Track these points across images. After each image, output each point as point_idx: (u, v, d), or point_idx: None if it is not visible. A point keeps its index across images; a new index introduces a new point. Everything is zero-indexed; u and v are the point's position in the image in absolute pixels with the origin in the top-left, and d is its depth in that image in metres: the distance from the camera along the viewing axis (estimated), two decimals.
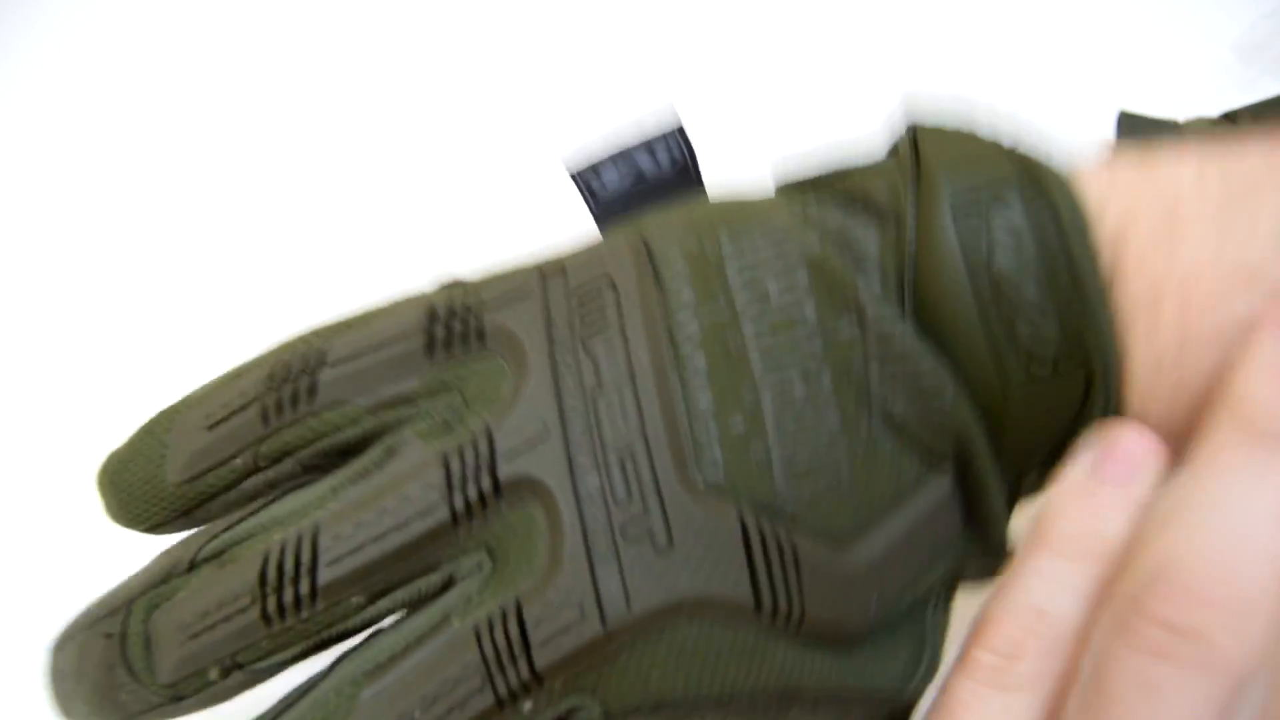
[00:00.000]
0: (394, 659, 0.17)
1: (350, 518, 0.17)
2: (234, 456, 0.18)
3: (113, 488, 0.19)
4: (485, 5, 0.39)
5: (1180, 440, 0.18)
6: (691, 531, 0.17)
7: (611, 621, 0.17)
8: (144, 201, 0.37)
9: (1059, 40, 0.36)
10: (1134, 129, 0.34)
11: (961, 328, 0.18)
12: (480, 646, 0.17)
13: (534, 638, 0.17)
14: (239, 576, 0.17)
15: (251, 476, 0.18)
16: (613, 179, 0.22)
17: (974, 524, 0.19)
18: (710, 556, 0.17)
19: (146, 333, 0.34)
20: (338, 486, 0.18)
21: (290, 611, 0.17)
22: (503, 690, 0.17)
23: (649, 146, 0.22)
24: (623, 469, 0.17)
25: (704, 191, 0.22)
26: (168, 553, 0.19)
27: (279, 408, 0.18)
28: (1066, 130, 0.33)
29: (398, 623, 0.18)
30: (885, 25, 0.37)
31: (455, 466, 0.17)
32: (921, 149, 0.19)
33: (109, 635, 0.18)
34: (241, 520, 0.18)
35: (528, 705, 0.17)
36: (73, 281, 0.36)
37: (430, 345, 0.18)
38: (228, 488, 0.19)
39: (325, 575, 0.17)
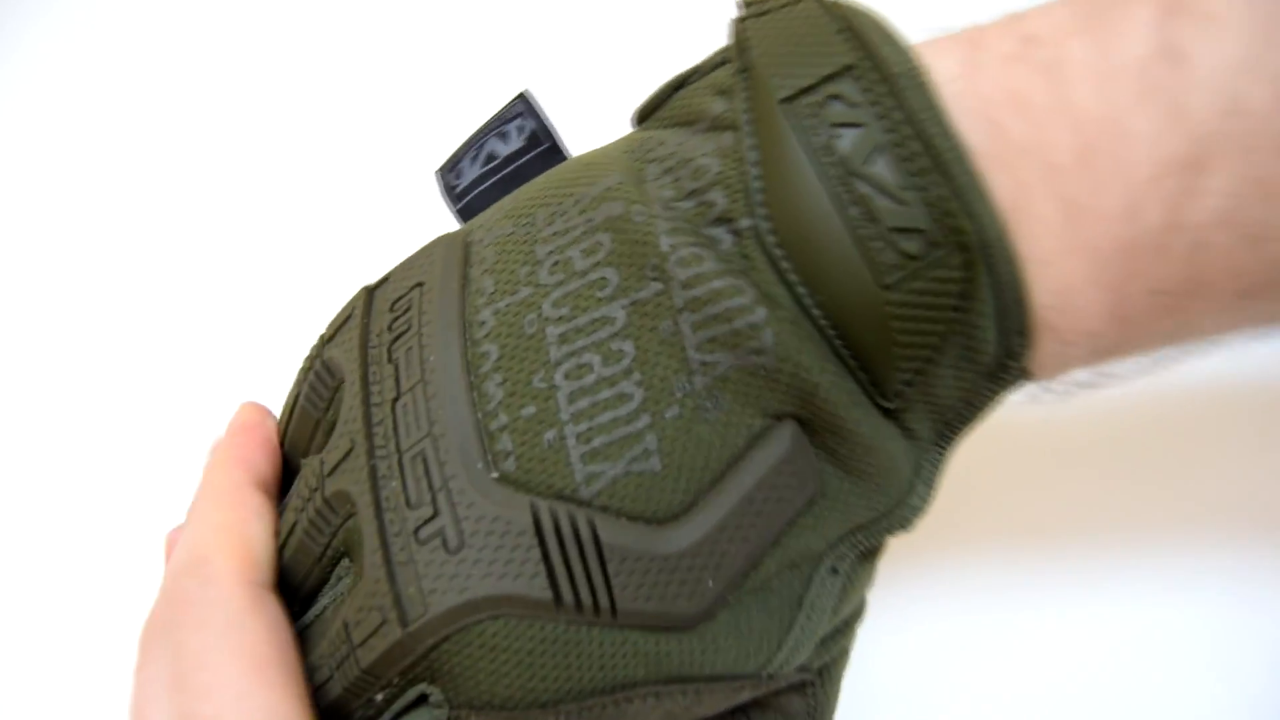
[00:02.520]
0: (304, 629, 0.19)
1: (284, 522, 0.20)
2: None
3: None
4: (484, 9, 0.39)
5: (1122, 293, 0.17)
6: (482, 529, 0.17)
7: (411, 624, 0.17)
8: (144, 202, 0.37)
9: None
10: None
11: (820, 226, 0.17)
12: (336, 640, 0.18)
13: (354, 639, 0.17)
14: None
15: None
16: (467, 169, 0.21)
17: (842, 464, 0.18)
18: (502, 553, 0.16)
19: (145, 333, 0.34)
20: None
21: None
22: (349, 681, 0.17)
23: (499, 128, 0.21)
24: (416, 472, 0.17)
25: (566, 157, 0.21)
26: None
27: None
28: None
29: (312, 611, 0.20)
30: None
31: (304, 489, 0.19)
32: (748, 44, 0.18)
33: None
34: None
35: (379, 696, 0.17)
36: (72, 281, 0.36)
37: (313, 397, 0.20)
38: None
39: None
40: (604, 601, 0.16)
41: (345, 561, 0.19)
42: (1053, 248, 0.17)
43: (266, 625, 0.17)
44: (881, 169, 0.16)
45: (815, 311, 0.17)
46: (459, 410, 0.17)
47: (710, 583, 0.17)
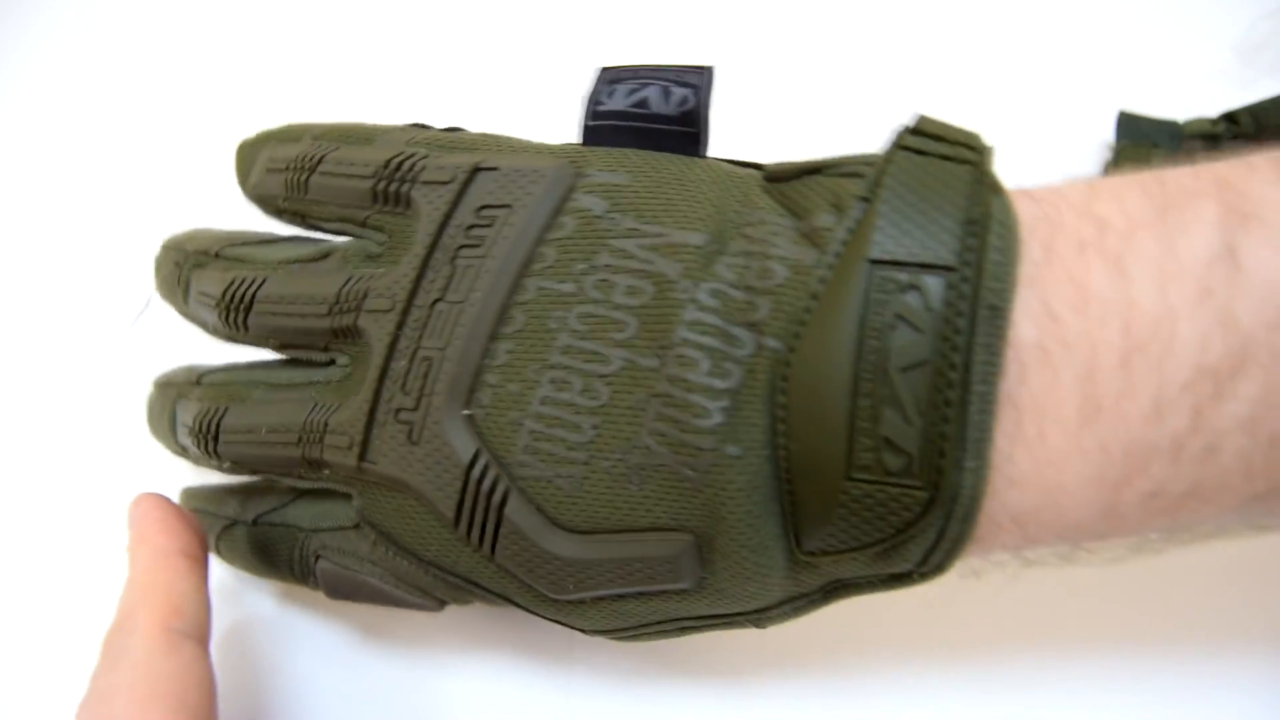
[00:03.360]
0: (271, 388, 0.24)
1: (279, 288, 0.23)
2: (273, 198, 0.25)
3: (235, 157, 0.27)
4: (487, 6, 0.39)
5: (1119, 492, 0.17)
6: (435, 442, 0.20)
7: (364, 465, 0.21)
8: (143, 201, 0.37)
9: (1059, 40, 0.36)
10: (1134, 129, 0.34)
11: (830, 393, 0.17)
12: (307, 416, 0.22)
13: (328, 438, 0.22)
14: (215, 285, 0.24)
15: (280, 214, 0.25)
16: (620, 97, 0.21)
17: (718, 586, 0.19)
18: (437, 467, 0.20)
19: (145, 331, 0.34)
20: (289, 260, 0.24)
21: (235, 328, 0.24)
22: (306, 453, 0.22)
23: (668, 83, 0.21)
24: (419, 370, 0.20)
25: (701, 152, 0.21)
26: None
27: (288, 186, 0.24)
28: (1066, 130, 0.33)
29: (285, 364, 0.25)
30: (885, 25, 0.37)
31: (346, 291, 0.22)
32: (884, 182, 0.18)
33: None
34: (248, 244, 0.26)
35: (325, 472, 0.22)
36: (72, 280, 0.36)
37: (376, 195, 0.22)
38: (273, 210, 0.25)
39: (254, 319, 0.23)
40: (486, 547, 0.20)
41: (340, 358, 0.23)
42: (1059, 450, 0.17)
43: (178, 668, 0.20)
44: (911, 381, 0.16)
45: (781, 452, 0.18)
46: (471, 350, 0.20)
47: (569, 588, 0.20)
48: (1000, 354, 0.16)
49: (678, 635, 0.22)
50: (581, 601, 0.20)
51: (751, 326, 0.18)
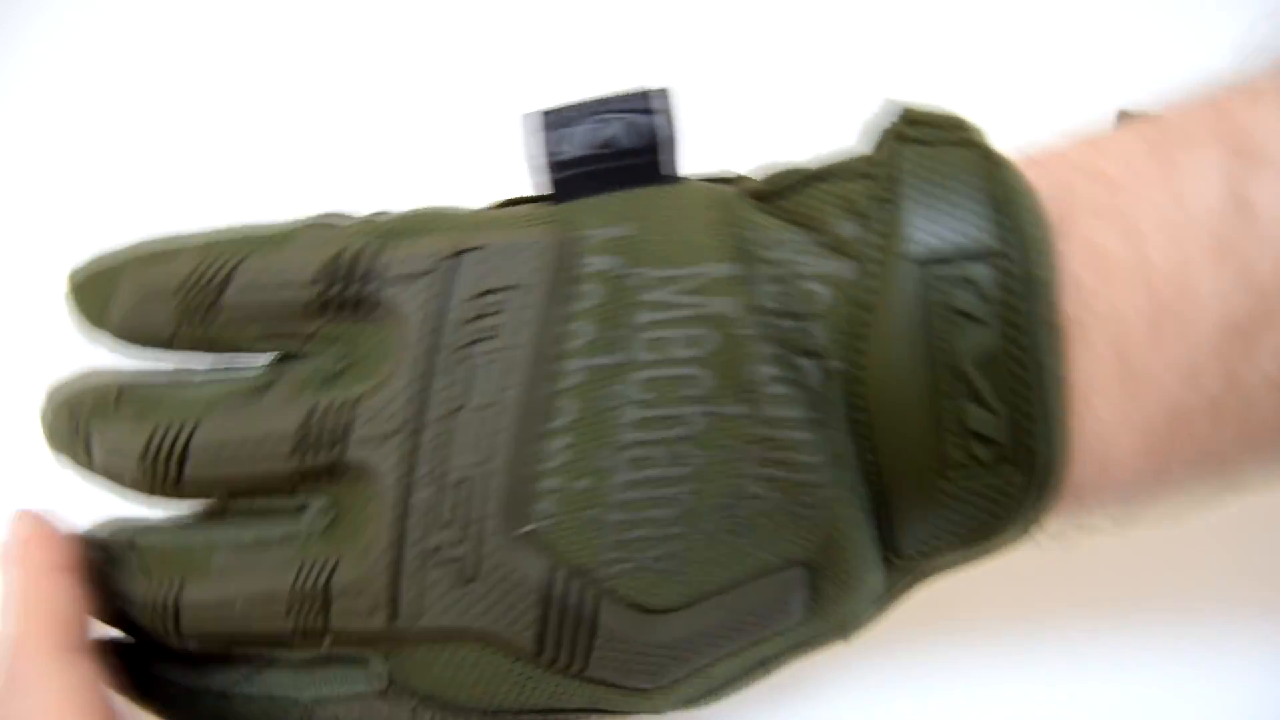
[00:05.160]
0: (235, 550, 0.20)
1: (219, 433, 0.20)
2: (160, 328, 0.21)
3: (73, 293, 0.22)
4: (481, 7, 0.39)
5: (1168, 458, 0.17)
6: (497, 573, 0.18)
7: (400, 625, 0.18)
8: (143, 201, 0.36)
9: (1059, 40, 0.36)
10: None
11: (909, 404, 0.17)
12: (296, 580, 0.19)
13: (334, 603, 0.19)
14: (131, 437, 0.20)
15: (171, 344, 0.21)
16: (578, 140, 0.19)
17: (820, 606, 0.19)
18: (506, 601, 0.18)
19: None
20: (222, 397, 0.20)
21: (166, 482, 0.20)
22: (301, 624, 0.19)
23: (626, 114, 0.19)
24: (456, 493, 0.18)
25: (677, 179, 0.20)
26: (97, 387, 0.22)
27: (186, 312, 0.20)
28: (1066, 130, 0.33)
29: (250, 519, 0.20)
30: (883, 22, 0.37)
31: (315, 424, 0.19)
32: (900, 177, 0.18)
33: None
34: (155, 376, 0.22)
35: (327, 640, 0.19)
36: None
37: (324, 304, 0.19)
38: (159, 343, 0.21)
39: (191, 472, 0.20)
40: (577, 667, 0.18)
41: (314, 502, 0.19)
42: (1107, 421, 0.17)
43: (68, 683, 0.19)
44: (986, 372, 0.17)
45: (870, 465, 0.18)
46: (521, 456, 0.18)
47: (673, 671, 0.18)
48: (1059, 327, 0.17)
49: (762, 678, 0.20)
50: (676, 681, 0.19)
51: (810, 354, 0.18)
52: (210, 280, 0.20)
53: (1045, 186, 0.18)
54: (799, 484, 0.18)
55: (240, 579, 0.20)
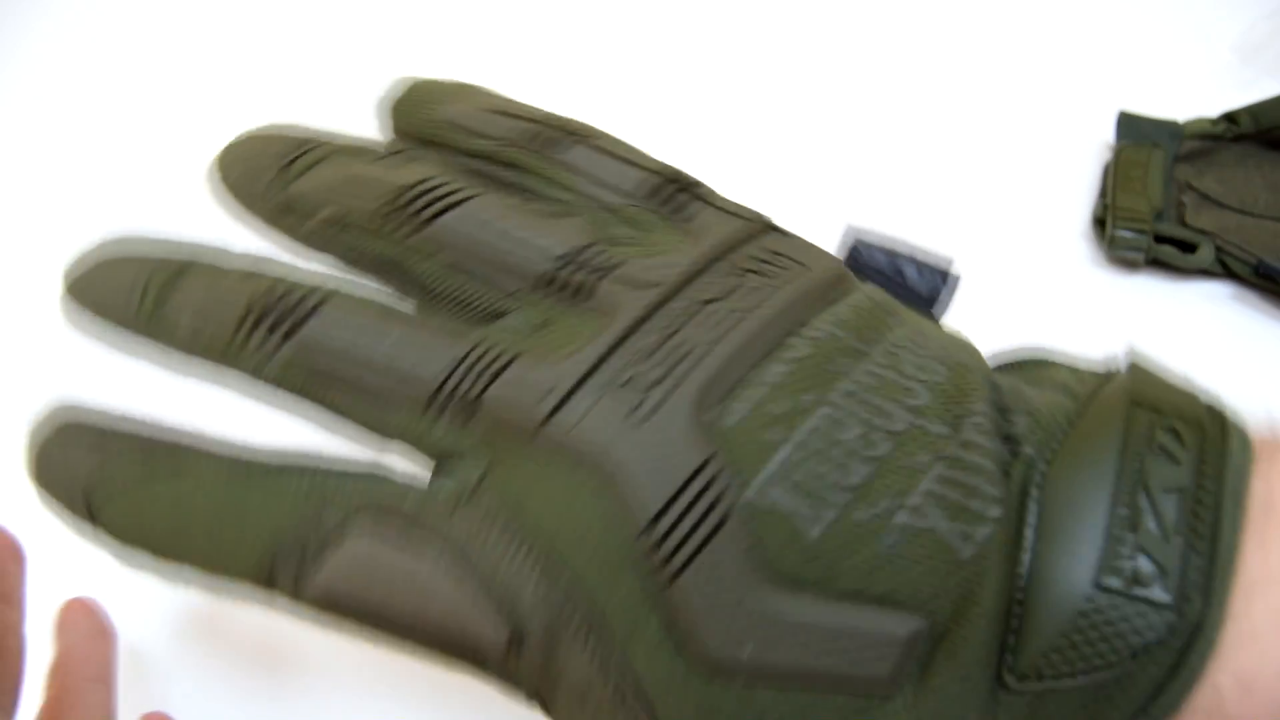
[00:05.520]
0: (420, 325, 0.19)
1: (492, 213, 0.20)
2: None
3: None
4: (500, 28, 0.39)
5: None
6: (668, 430, 0.17)
7: (549, 429, 0.18)
8: (142, 202, 0.37)
9: (1059, 40, 0.36)
10: (1134, 129, 0.34)
11: (1085, 498, 0.17)
12: (467, 350, 0.18)
13: (503, 377, 0.18)
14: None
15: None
16: (877, 256, 0.23)
17: (920, 694, 0.17)
18: (658, 456, 0.17)
19: None
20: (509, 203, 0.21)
21: (400, 239, 0.20)
22: (457, 387, 0.18)
23: (923, 264, 0.23)
24: (673, 350, 0.18)
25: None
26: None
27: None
28: (1066, 130, 0.33)
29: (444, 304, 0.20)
30: (885, 23, 0.37)
31: (592, 251, 0.20)
32: (1135, 392, 0.18)
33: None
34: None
35: (446, 418, 0.18)
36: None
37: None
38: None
39: (436, 231, 0.20)
40: (674, 566, 0.17)
41: (522, 310, 0.20)
42: (1267, 622, 0.17)
43: None
44: (1171, 500, 0.17)
45: (1024, 556, 0.17)
46: (744, 355, 0.18)
47: (748, 646, 0.17)
48: (1243, 508, 0.17)
49: None
50: (734, 677, 0.17)
51: (1007, 439, 0.18)
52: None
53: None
54: (967, 511, 0.17)
55: (392, 336, 0.19)
